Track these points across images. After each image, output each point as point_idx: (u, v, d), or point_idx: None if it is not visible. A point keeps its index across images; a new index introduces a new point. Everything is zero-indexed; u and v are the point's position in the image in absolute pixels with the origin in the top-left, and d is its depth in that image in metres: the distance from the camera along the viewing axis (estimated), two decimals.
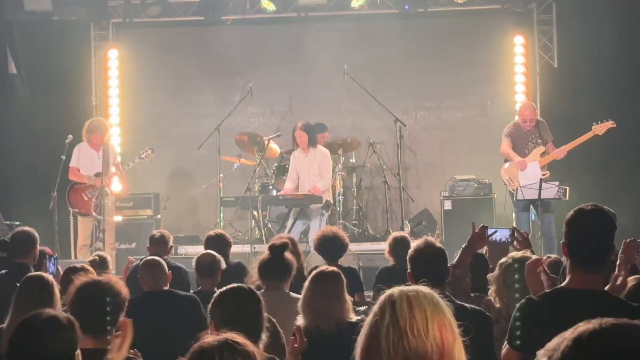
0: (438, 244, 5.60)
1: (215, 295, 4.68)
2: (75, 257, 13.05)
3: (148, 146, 14.03)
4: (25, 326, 4.04)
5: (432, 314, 2.82)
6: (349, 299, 5.92)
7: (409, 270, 5.55)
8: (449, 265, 5.61)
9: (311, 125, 13.21)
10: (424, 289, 2.90)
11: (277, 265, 6.68)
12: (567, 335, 2.15)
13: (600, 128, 12.64)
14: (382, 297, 2.88)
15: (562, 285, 4.51)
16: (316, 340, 5.49)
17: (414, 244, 5.67)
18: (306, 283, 5.87)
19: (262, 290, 6.61)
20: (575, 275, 4.40)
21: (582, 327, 2.14)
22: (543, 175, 12.68)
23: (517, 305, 4.51)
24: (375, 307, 2.88)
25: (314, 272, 5.95)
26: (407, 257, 5.61)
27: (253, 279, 6.95)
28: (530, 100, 14.68)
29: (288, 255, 6.84)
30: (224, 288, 4.75)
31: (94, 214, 13.25)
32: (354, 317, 5.76)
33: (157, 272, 7.23)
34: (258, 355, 3.27)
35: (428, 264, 5.40)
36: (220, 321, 4.46)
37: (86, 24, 15.86)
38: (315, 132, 13.27)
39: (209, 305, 4.64)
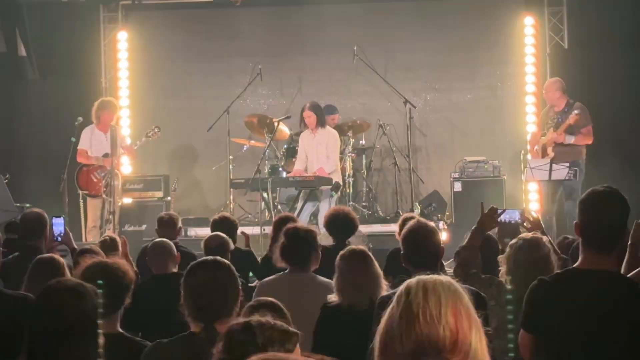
0: (430, 224, 5.60)
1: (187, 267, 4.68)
2: (85, 239, 13.07)
3: (155, 125, 14.06)
4: (52, 291, 4.09)
5: (447, 300, 2.79)
6: (380, 274, 5.97)
7: (402, 252, 5.56)
8: (442, 246, 5.60)
9: (319, 106, 13.20)
10: (443, 277, 2.88)
11: (297, 246, 6.63)
12: None
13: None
14: (401, 287, 2.86)
15: (574, 265, 4.50)
16: (351, 318, 5.59)
17: (406, 226, 5.67)
18: (337, 262, 5.93)
19: (286, 272, 6.62)
20: (587, 256, 4.39)
21: None
22: (547, 156, 12.63)
23: (529, 287, 4.50)
24: (394, 297, 2.86)
25: (344, 252, 6.01)
26: (400, 239, 5.64)
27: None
28: (539, 81, 14.68)
29: (303, 231, 6.81)
30: (200, 260, 4.74)
31: (103, 195, 13.28)
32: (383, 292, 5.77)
33: (165, 255, 7.24)
34: (290, 327, 3.29)
35: (420, 244, 5.41)
36: (190, 292, 4.46)
37: (95, 6, 15.84)
38: (323, 112, 13.26)
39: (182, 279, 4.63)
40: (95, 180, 13.30)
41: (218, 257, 4.69)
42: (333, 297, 5.83)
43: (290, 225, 6.95)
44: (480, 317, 2.82)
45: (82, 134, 13.45)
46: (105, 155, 13.25)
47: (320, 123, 12.96)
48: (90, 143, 13.36)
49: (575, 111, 12.42)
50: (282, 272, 6.66)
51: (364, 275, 5.84)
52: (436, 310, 2.74)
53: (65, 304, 4.00)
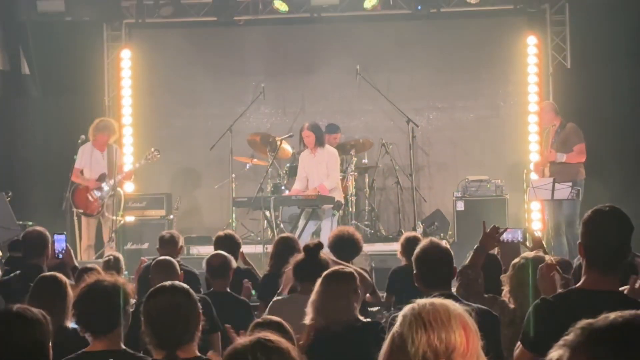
0: (443, 245, 5.60)
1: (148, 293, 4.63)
2: (80, 257, 13.01)
3: (154, 147, 14.09)
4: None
5: (455, 311, 2.82)
6: (361, 300, 5.87)
7: (415, 271, 5.54)
8: (455, 266, 5.60)
9: (318, 126, 13.24)
10: (447, 300, 2.91)
11: (312, 266, 6.57)
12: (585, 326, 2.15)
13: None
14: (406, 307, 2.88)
15: (577, 285, 4.49)
16: (326, 341, 5.47)
17: (419, 244, 5.65)
18: (318, 282, 5.80)
19: (297, 293, 6.58)
20: (590, 276, 4.38)
21: (602, 318, 2.15)
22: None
23: (532, 305, 4.49)
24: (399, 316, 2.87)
25: (327, 272, 5.88)
26: (413, 258, 5.60)
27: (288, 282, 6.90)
28: (542, 100, 14.68)
29: (323, 255, 6.80)
30: (157, 286, 4.66)
31: (106, 213, 13.29)
32: (364, 318, 5.71)
33: (168, 273, 7.21)
34: (293, 351, 3.26)
35: (433, 265, 5.40)
36: (149, 319, 4.40)
37: (99, 25, 15.89)
38: (322, 132, 13.29)
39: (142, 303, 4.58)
40: (91, 199, 13.26)
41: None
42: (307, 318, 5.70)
43: (308, 244, 6.92)
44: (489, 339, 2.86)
45: (78, 152, 13.45)
46: (102, 176, 13.22)
47: (319, 143, 12.98)
48: (87, 162, 13.35)
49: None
50: (294, 293, 6.64)
51: (337, 298, 5.67)
52: (445, 316, 2.76)
53: (10, 332, 3.94)
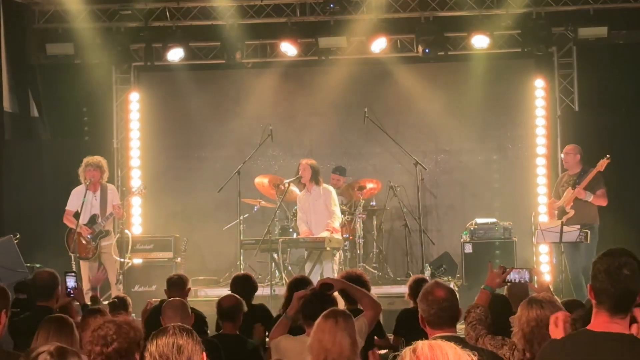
0: (448, 286, 5.56)
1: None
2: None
3: (143, 185, 14.30)
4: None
5: (455, 356, 2.80)
6: (359, 341, 5.76)
7: (419, 313, 5.49)
8: (460, 307, 5.56)
9: (316, 165, 13.33)
10: (447, 343, 2.89)
11: (320, 306, 6.51)
12: None
13: (601, 164, 12.58)
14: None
15: (586, 327, 4.46)
16: None
17: (424, 286, 5.61)
18: (317, 322, 5.69)
19: (304, 335, 6.52)
20: (600, 318, 4.35)
21: None
22: (567, 214, 12.64)
23: (542, 347, 4.46)
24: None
25: (325, 312, 5.81)
26: (417, 299, 5.55)
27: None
28: (550, 143, 14.72)
29: (332, 295, 6.77)
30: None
31: (115, 255, 13.25)
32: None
33: (180, 314, 7.18)
34: None
35: (437, 306, 5.35)
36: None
37: (108, 68, 15.96)
38: (319, 172, 13.32)
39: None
40: (84, 242, 13.16)
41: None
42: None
43: (310, 289, 6.91)
44: None
45: (71, 194, 13.42)
46: (92, 218, 13.13)
47: (315, 179, 13.08)
48: (75, 202, 13.25)
49: (607, 156, 12.50)
50: (302, 335, 6.60)
51: (338, 337, 5.49)
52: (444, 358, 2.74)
53: None
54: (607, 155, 12.44)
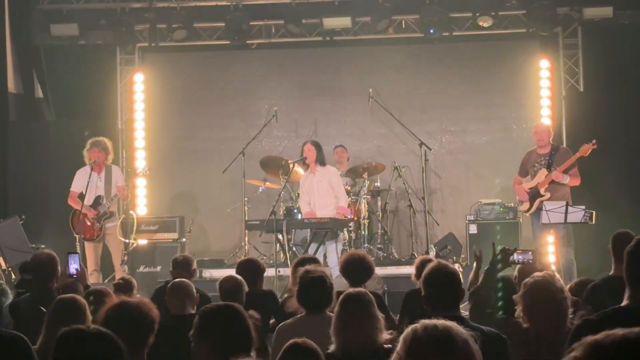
0: (451, 266, 5.57)
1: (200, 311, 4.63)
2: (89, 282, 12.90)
3: (148, 166, 14.48)
4: (72, 338, 3.90)
5: (457, 336, 2.81)
6: (380, 319, 5.74)
7: (422, 293, 5.50)
8: (463, 287, 5.57)
9: (320, 145, 13.23)
10: (450, 322, 2.90)
11: (318, 295, 6.53)
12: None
13: (585, 150, 12.39)
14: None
15: (622, 304, 4.48)
16: None
17: (427, 267, 5.62)
18: (336, 306, 5.70)
19: (304, 314, 6.54)
20: (636, 294, 4.38)
21: (608, 335, 2.13)
22: (543, 196, 12.52)
23: (574, 327, 4.46)
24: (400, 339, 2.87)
25: (342, 295, 5.80)
26: (421, 280, 5.56)
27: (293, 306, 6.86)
28: (555, 124, 14.65)
29: (329, 283, 6.75)
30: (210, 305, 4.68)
31: (120, 236, 13.28)
32: (384, 338, 5.59)
33: (185, 295, 7.17)
34: None
35: (440, 287, 5.36)
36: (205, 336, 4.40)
37: (112, 48, 15.96)
38: (323, 152, 13.23)
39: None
40: (89, 224, 13.19)
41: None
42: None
43: (302, 271, 6.86)
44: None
45: (75, 174, 13.45)
46: (97, 199, 13.15)
47: (320, 160, 12.99)
48: (79, 184, 13.26)
49: (593, 141, 12.29)
50: (299, 315, 6.60)
51: (358, 320, 5.50)
52: (445, 341, 2.75)
53: (89, 353, 3.84)
54: (594, 141, 12.19)
